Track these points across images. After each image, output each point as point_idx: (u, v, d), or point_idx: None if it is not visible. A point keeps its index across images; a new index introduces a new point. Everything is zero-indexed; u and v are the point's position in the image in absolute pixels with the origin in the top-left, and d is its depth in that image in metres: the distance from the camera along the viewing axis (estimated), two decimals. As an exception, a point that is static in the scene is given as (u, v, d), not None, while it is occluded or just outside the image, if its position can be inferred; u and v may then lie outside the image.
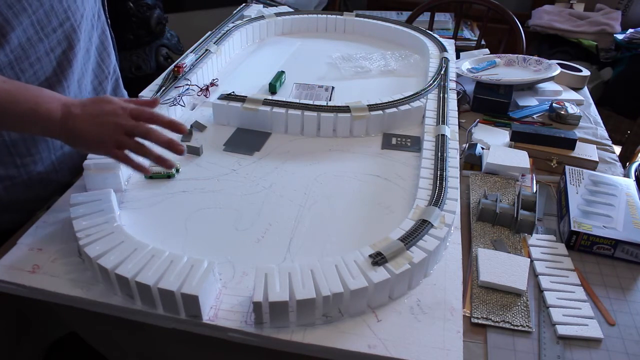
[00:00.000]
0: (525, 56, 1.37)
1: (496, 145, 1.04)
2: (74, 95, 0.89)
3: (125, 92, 1.12)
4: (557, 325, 0.69)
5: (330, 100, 1.17)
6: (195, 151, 0.95)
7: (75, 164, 0.93)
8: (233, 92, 1.05)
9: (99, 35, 0.97)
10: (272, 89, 1.19)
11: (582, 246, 0.82)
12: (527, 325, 0.69)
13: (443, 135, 0.95)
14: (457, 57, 1.39)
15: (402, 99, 1.06)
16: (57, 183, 0.92)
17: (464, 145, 1.05)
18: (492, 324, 0.69)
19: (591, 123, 1.22)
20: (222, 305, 0.66)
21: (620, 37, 2.23)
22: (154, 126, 0.70)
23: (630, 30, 2.21)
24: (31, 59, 0.79)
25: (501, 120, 1.18)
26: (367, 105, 1.02)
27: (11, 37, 0.75)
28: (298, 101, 1.03)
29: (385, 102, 1.04)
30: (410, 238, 0.70)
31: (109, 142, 0.68)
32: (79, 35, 0.87)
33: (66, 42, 0.84)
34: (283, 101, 1.03)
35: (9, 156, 0.83)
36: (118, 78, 1.08)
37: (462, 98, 1.24)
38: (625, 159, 1.94)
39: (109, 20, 1.01)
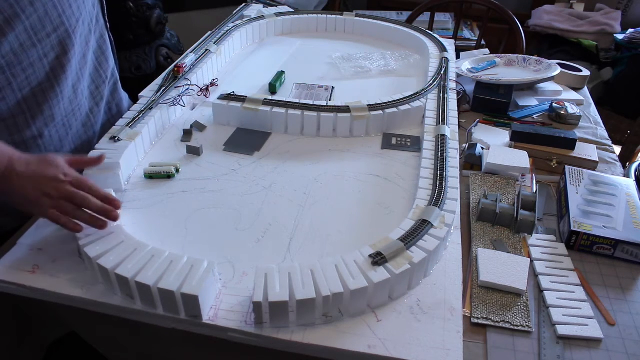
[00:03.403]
0: (525, 56, 1.37)
1: (496, 145, 1.04)
2: (68, 100, 0.89)
3: (124, 95, 1.12)
4: (557, 325, 0.69)
5: (330, 100, 1.17)
6: (195, 151, 0.95)
7: None
8: (233, 92, 1.05)
9: (97, 39, 0.97)
10: (272, 89, 1.19)
11: (582, 246, 0.82)
12: (527, 325, 0.69)
13: (443, 135, 0.95)
14: (457, 57, 1.39)
15: (402, 99, 1.06)
16: None
17: (464, 145, 1.05)
18: (492, 324, 0.69)
19: (591, 123, 1.22)
20: (222, 305, 0.66)
21: (620, 37, 2.23)
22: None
23: (630, 30, 2.21)
24: (24, 65, 0.79)
25: (501, 120, 1.18)
26: (367, 105, 1.02)
27: (2, 43, 0.75)
28: (298, 101, 1.03)
29: (385, 102, 1.04)
30: (410, 238, 0.70)
31: (45, 205, 0.68)
32: (73, 41, 0.86)
33: (60, 47, 0.84)
34: (283, 101, 1.03)
35: None
36: (117, 81, 1.07)
37: (462, 98, 1.24)
38: (625, 159, 1.94)
39: (108, 24, 1.01)
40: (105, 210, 0.70)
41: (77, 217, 0.69)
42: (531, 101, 1.27)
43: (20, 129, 0.83)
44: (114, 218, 0.70)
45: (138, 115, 0.95)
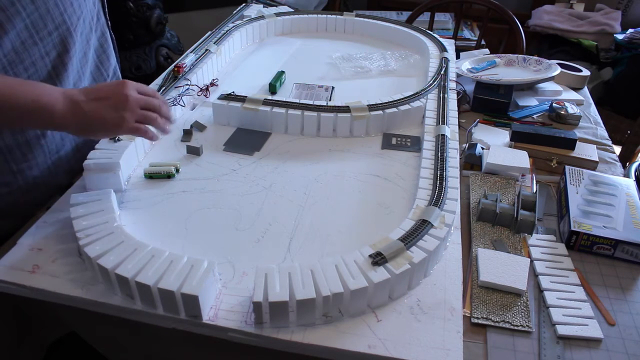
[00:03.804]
0: (525, 56, 1.37)
1: (496, 145, 1.04)
2: None
3: None
4: (557, 325, 0.69)
5: (330, 100, 1.17)
6: (195, 151, 0.95)
7: (72, 166, 0.93)
8: (233, 92, 1.05)
9: (98, 37, 0.96)
10: (272, 89, 1.19)
11: (582, 246, 0.82)
12: (527, 325, 0.69)
13: (443, 135, 0.95)
14: (457, 57, 1.39)
15: (402, 99, 1.06)
16: (54, 187, 0.92)
17: (464, 145, 1.05)
18: (492, 324, 0.69)
19: (591, 123, 1.22)
20: (222, 305, 0.66)
21: (620, 37, 2.23)
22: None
23: (630, 30, 2.21)
24: (25, 63, 0.79)
25: (501, 120, 1.18)
26: (367, 105, 1.02)
27: (4, 41, 0.74)
28: (298, 101, 1.03)
29: (385, 102, 1.04)
30: (410, 238, 0.70)
31: (129, 119, 0.71)
32: (75, 39, 0.86)
33: (62, 45, 0.84)
34: (283, 101, 1.03)
35: (4, 163, 0.83)
36: (118, 80, 1.07)
37: (462, 98, 1.24)
38: (625, 159, 1.94)
39: (109, 22, 1.01)
40: (168, 117, 0.77)
41: (156, 124, 0.75)
42: (531, 101, 1.27)
43: (23, 129, 0.83)
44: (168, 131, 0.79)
45: (138, 115, 0.95)
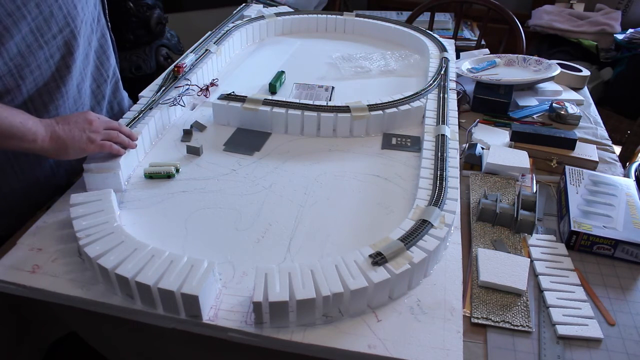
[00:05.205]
0: (525, 56, 1.37)
1: (496, 145, 1.04)
2: (72, 100, 0.90)
3: (124, 94, 1.12)
4: (557, 325, 0.69)
5: (330, 100, 1.17)
6: (195, 151, 0.95)
7: (72, 166, 0.93)
8: (233, 92, 1.05)
9: (99, 39, 0.97)
10: (272, 89, 1.19)
11: (582, 246, 0.82)
12: (527, 325, 0.69)
13: (443, 135, 0.95)
14: (457, 57, 1.39)
15: (402, 99, 1.06)
16: (54, 187, 0.92)
17: (464, 145, 1.05)
18: (492, 324, 0.69)
19: (591, 123, 1.22)
20: (222, 305, 0.66)
21: (620, 37, 2.23)
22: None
23: (630, 30, 2.21)
24: (31, 67, 0.79)
25: (501, 120, 1.18)
26: (367, 105, 1.02)
27: (10, 45, 0.75)
28: (298, 101, 1.03)
29: (385, 102, 1.04)
30: (410, 238, 0.70)
31: (97, 139, 0.80)
32: (78, 41, 0.86)
33: (65, 48, 0.84)
34: (283, 101, 1.03)
35: (8, 164, 0.83)
36: (118, 81, 1.07)
37: (462, 98, 1.24)
38: (625, 159, 1.94)
39: (109, 24, 1.01)
40: (129, 135, 0.87)
41: (119, 142, 0.84)
42: (531, 101, 1.27)
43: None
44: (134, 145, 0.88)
45: (138, 115, 0.95)
